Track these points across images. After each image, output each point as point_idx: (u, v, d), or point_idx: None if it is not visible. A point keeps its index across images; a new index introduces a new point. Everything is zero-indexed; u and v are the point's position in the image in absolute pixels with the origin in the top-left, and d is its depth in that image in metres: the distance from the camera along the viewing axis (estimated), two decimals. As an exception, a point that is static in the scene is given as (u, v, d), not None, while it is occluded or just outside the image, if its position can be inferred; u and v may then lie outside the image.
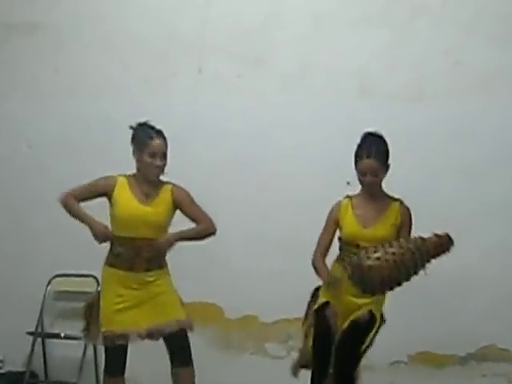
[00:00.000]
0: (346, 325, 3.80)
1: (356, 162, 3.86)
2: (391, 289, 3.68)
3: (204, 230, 3.96)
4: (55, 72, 5.43)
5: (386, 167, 3.88)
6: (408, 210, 3.89)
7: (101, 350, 4.50)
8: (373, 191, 3.88)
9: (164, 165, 3.91)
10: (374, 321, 3.82)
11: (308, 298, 4.04)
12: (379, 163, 3.81)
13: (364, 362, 3.96)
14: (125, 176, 3.95)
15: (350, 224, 3.87)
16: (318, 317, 3.86)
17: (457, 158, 4.84)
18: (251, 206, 5.06)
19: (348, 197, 3.97)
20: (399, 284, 3.64)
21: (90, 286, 5.02)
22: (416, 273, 3.62)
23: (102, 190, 3.92)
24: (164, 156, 3.90)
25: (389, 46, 4.93)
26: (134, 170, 4.01)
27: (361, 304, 3.82)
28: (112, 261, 3.92)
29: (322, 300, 3.89)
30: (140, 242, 3.85)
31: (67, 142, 5.40)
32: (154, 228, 3.88)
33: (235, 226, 4.93)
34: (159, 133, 3.94)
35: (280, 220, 5.02)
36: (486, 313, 4.76)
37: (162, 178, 4.02)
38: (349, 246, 3.88)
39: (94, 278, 5.01)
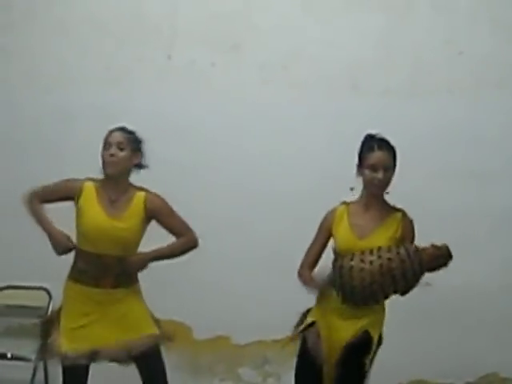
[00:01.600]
0: (339, 352, 3.59)
1: (362, 158, 3.63)
2: (376, 300, 3.54)
3: (182, 244, 3.81)
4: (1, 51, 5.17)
5: (393, 168, 3.68)
6: (411, 222, 3.70)
7: (53, 372, 4.50)
8: (379, 195, 3.67)
9: (122, 159, 3.70)
10: (371, 342, 3.60)
11: (286, 317, 3.86)
12: (391, 158, 3.63)
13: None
14: (92, 180, 3.77)
15: (344, 234, 3.68)
16: (303, 338, 3.71)
17: (460, 161, 4.76)
18: (226, 217, 4.91)
19: (345, 203, 3.76)
20: (385, 295, 3.51)
21: (40, 300, 4.92)
22: (407, 285, 3.47)
23: (68, 193, 3.76)
24: (120, 148, 3.70)
25: (384, 34, 4.86)
26: (93, 174, 3.82)
27: (348, 327, 3.61)
28: (76, 276, 3.75)
29: (308, 320, 3.72)
30: (107, 260, 3.69)
31: (12, 139, 5.11)
32: (123, 245, 3.71)
33: (208, 237, 4.52)
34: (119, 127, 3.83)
35: (258, 232, 4.89)
36: (488, 338, 4.63)
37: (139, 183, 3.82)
38: None
39: (46, 290, 4.92)
